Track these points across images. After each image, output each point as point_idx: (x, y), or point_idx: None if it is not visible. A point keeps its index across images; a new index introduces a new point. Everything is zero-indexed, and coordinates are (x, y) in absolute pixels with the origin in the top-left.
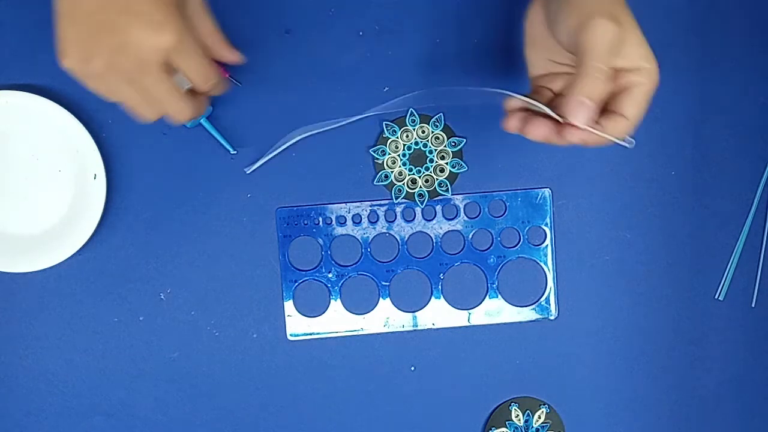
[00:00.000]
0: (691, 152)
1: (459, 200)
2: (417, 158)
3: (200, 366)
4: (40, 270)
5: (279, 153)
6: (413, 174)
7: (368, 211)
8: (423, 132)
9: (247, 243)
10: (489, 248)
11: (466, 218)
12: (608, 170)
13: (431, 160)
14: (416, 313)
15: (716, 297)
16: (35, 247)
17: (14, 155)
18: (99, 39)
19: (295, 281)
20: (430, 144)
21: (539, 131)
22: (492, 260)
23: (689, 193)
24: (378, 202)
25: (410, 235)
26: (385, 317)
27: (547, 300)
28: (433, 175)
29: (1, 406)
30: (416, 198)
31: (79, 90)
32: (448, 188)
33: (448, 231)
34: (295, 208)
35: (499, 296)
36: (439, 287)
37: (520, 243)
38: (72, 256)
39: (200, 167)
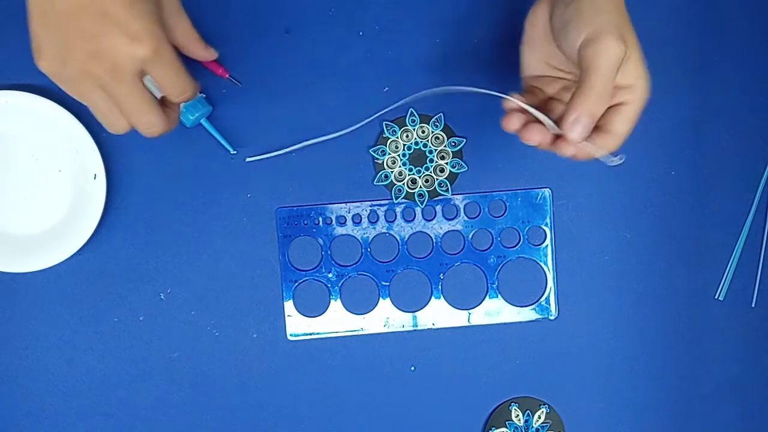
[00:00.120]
0: (691, 152)
1: (459, 200)
2: (417, 158)
3: (200, 366)
4: (40, 270)
5: (281, 154)
6: (413, 174)
7: (368, 211)
8: (423, 132)
9: (247, 243)
10: (489, 248)
11: (466, 218)
12: (608, 170)
13: (431, 160)
14: (416, 313)
15: (716, 297)
16: (35, 247)
17: (14, 155)
18: (74, 44)
19: (295, 281)
20: (430, 144)
21: (535, 137)
22: (492, 260)
23: (689, 193)
24: (378, 202)
25: (410, 235)
26: (385, 317)
27: (547, 300)
28: (433, 175)
29: (1, 406)
30: (416, 198)
31: None
32: (448, 188)
33: (448, 231)
34: (295, 208)
35: (499, 296)
36: (439, 287)
37: (520, 243)
38: (72, 256)
39: (200, 167)
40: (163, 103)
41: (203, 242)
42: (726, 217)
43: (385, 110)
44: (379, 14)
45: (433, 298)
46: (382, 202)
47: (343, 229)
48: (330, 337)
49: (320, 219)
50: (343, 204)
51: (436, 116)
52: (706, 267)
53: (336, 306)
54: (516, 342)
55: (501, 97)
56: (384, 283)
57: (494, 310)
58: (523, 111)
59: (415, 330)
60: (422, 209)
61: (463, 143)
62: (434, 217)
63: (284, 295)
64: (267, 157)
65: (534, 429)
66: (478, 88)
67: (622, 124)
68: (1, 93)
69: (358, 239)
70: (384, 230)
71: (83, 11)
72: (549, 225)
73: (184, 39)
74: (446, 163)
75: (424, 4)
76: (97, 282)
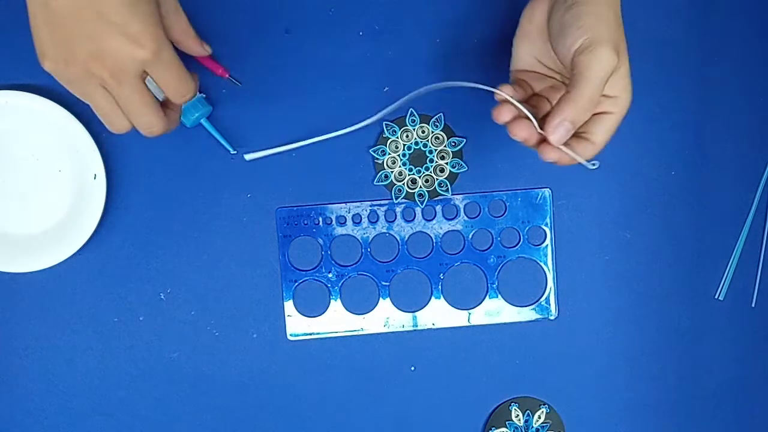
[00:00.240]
0: (691, 152)
1: (459, 200)
2: (417, 158)
3: (200, 366)
4: (40, 270)
5: (281, 152)
6: (413, 174)
7: (368, 211)
8: (423, 132)
9: (247, 243)
10: (489, 248)
11: (466, 218)
12: (608, 170)
13: (431, 160)
14: (416, 313)
15: (716, 297)
16: (35, 247)
17: (14, 155)
18: (76, 46)
19: (295, 281)
20: (430, 144)
21: (522, 132)
22: (492, 260)
23: (689, 193)
24: (378, 202)
25: (410, 235)
26: (385, 317)
27: (547, 300)
28: (433, 175)
29: (1, 406)
30: (416, 198)
31: None
32: (448, 188)
33: (448, 231)
34: (295, 208)
35: (499, 296)
36: (439, 287)
37: (520, 243)
38: (72, 256)
39: (200, 167)
40: (164, 103)
41: (203, 242)
42: (726, 217)
43: (384, 111)
44: (379, 14)
45: (433, 298)
46: (382, 202)
47: (343, 229)
48: (330, 337)
49: (320, 219)
50: (343, 204)
51: (436, 116)
52: (706, 267)
53: (336, 306)
54: (516, 342)
55: (492, 91)
56: (384, 283)
57: (494, 310)
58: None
59: (415, 330)
60: (422, 209)
61: (463, 143)
62: (434, 217)
63: (284, 295)
64: (266, 155)
65: (534, 429)
66: (471, 83)
67: (602, 134)
68: (1, 93)
69: (358, 239)
70: (384, 230)
71: (82, 14)
72: (549, 225)
73: (180, 36)
74: (446, 163)
75: (424, 4)
76: (97, 282)
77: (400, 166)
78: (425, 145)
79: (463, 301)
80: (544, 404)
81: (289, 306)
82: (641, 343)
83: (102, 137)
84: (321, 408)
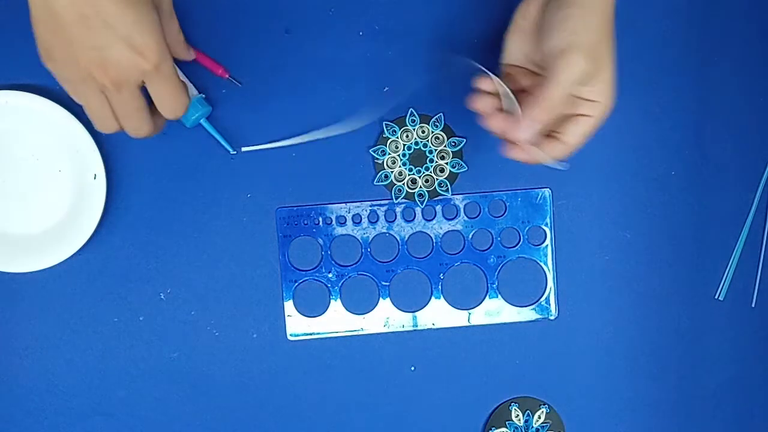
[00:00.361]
0: (691, 152)
1: (459, 200)
2: (417, 158)
3: (200, 366)
4: (40, 270)
5: (279, 149)
6: (413, 174)
7: (368, 211)
8: (423, 132)
9: (247, 243)
10: (489, 248)
11: (466, 218)
12: (608, 170)
13: (431, 160)
14: (416, 313)
15: (716, 297)
16: (35, 247)
17: (14, 155)
18: (79, 51)
19: (295, 281)
20: (430, 144)
21: (497, 124)
22: (492, 260)
23: (689, 193)
24: (378, 202)
25: (410, 235)
26: (385, 317)
27: (547, 300)
28: (433, 175)
29: (1, 406)
30: (416, 198)
31: None
32: (448, 188)
33: (448, 231)
34: (295, 208)
35: (499, 296)
36: (439, 287)
37: (520, 243)
38: (72, 256)
39: (200, 167)
40: (152, 108)
41: (203, 242)
42: (726, 217)
43: (383, 111)
44: (379, 14)
45: (433, 298)
46: (382, 202)
47: (343, 229)
48: (330, 337)
49: (320, 219)
50: (343, 204)
51: (436, 116)
52: (706, 267)
53: (336, 306)
54: (516, 342)
55: (486, 73)
56: (384, 283)
57: (494, 310)
58: (494, 97)
59: (415, 330)
60: (422, 209)
61: (463, 143)
62: (434, 217)
63: (284, 295)
64: (264, 148)
65: (534, 429)
66: (463, 58)
67: (575, 136)
68: (1, 93)
69: (358, 239)
70: (384, 230)
71: (87, 22)
72: (549, 225)
73: (171, 41)
74: (446, 163)
75: (424, 4)
76: (97, 282)
77: (400, 166)
78: (425, 145)
79: (463, 301)
80: (544, 404)
81: (289, 306)
82: (641, 343)
83: (102, 137)
84: (321, 408)
